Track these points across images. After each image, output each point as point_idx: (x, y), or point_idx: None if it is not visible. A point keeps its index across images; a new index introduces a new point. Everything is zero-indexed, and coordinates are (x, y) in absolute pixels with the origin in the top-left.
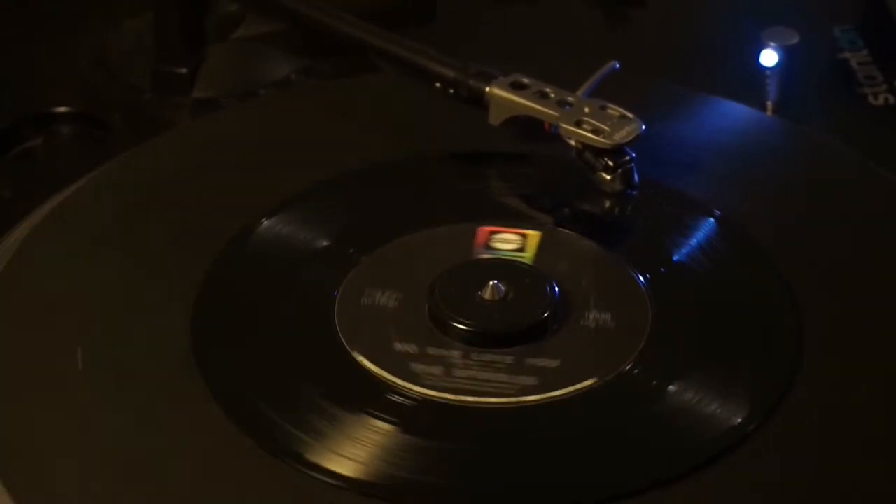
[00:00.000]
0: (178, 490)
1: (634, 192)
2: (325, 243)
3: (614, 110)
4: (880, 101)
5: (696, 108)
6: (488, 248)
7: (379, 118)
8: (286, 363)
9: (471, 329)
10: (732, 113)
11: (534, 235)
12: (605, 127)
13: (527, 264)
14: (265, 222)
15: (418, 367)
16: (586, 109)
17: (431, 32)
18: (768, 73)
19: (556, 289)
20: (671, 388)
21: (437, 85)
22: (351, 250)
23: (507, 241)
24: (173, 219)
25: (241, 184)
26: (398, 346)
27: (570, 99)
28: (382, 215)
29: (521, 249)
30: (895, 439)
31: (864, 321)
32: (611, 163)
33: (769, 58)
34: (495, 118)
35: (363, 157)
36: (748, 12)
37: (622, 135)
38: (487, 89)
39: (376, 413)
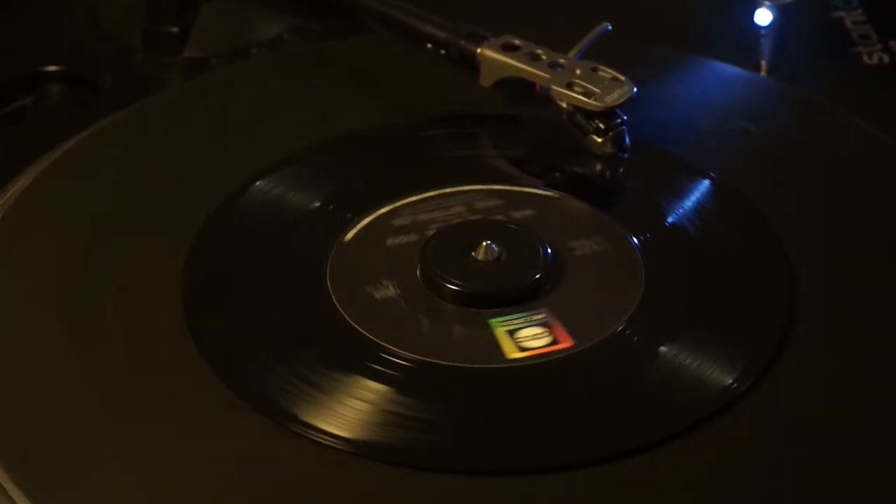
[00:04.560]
0: (169, 450)
1: (626, 155)
2: (316, 205)
3: (606, 73)
4: (874, 60)
5: (689, 70)
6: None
7: (370, 79)
8: (278, 324)
9: (463, 290)
10: (725, 74)
11: None
12: (596, 89)
13: (520, 226)
14: (259, 184)
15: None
16: (578, 72)
17: None
18: (762, 32)
19: (549, 250)
20: (662, 349)
21: (429, 46)
22: (348, 214)
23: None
24: (166, 181)
25: (232, 146)
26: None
27: (562, 61)
28: (375, 178)
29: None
30: (886, 400)
31: (856, 282)
32: (602, 125)
33: (763, 17)
34: (486, 80)
35: (355, 118)
36: None
37: (613, 97)
38: (478, 50)
39: (366, 374)
